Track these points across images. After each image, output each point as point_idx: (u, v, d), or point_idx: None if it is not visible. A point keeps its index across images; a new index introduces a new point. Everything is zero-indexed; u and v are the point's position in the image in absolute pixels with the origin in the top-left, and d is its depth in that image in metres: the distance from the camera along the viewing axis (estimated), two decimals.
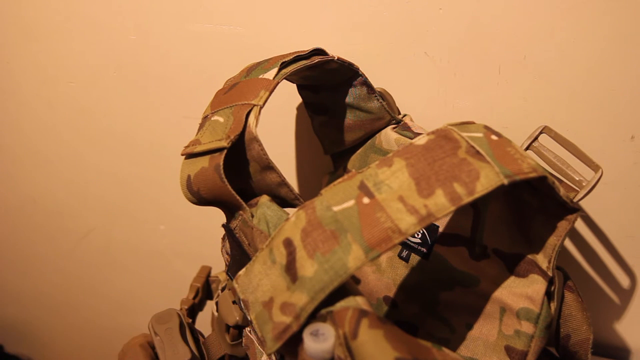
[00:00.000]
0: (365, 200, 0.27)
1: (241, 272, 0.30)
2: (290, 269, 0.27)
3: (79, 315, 0.91)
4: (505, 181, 0.27)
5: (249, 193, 0.36)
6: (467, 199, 0.26)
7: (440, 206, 0.26)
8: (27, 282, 0.90)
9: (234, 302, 0.41)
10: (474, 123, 0.31)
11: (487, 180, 0.27)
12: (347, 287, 0.27)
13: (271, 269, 0.28)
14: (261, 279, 0.29)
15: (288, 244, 0.28)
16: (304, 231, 0.27)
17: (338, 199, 0.28)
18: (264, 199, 0.34)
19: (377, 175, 0.28)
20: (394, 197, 0.27)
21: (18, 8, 0.58)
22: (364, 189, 0.28)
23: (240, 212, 0.34)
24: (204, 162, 0.34)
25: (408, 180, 0.27)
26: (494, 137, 0.29)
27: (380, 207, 0.26)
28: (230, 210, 0.35)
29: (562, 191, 0.31)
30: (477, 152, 0.28)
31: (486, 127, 0.30)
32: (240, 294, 0.30)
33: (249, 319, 0.29)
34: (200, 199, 0.34)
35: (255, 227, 0.33)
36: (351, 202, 0.27)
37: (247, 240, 0.34)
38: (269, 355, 0.28)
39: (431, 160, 0.28)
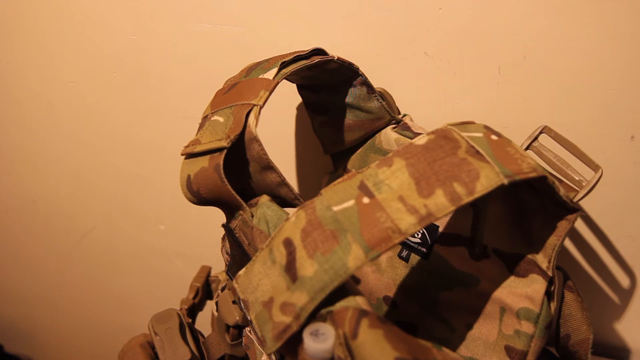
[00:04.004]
0: (365, 200, 0.27)
1: (241, 272, 0.30)
2: (290, 269, 0.27)
3: (78, 315, 0.91)
4: (505, 181, 0.27)
5: (248, 193, 0.36)
6: (467, 199, 0.26)
7: (440, 206, 0.26)
8: (27, 282, 0.90)
9: (233, 302, 0.41)
10: (474, 123, 0.31)
11: (487, 180, 0.27)
12: (347, 287, 0.27)
13: (271, 268, 0.28)
14: (261, 279, 0.29)
15: (288, 243, 0.28)
16: (304, 231, 0.27)
17: (338, 198, 0.28)
18: (264, 199, 0.34)
19: (377, 175, 0.28)
20: (394, 197, 0.27)
21: (18, 8, 0.58)
22: (363, 189, 0.28)
23: (240, 212, 0.34)
24: (203, 162, 0.34)
25: (408, 180, 0.27)
26: (494, 137, 0.29)
27: (380, 207, 0.27)
28: (230, 210, 0.35)
29: (562, 191, 0.31)
30: (477, 152, 0.28)
31: (486, 127, 0.30)
32: (240, 294, 0.30)
33: (249, 318, 0.29)
34: (200, 198, 0.34)
35: (255, 227, 0.33)
36: (351, 202, 0.27)
37: (247, 240, 0.34)
38: (269, 355, 0.28)
39: (431, 160, 0.28)
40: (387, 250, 0.26)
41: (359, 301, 0.27)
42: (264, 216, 0.32)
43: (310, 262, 0.26)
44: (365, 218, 0.26)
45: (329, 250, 0.26)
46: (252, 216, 0.33)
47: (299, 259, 0.27)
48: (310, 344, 0.26)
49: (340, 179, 0.29)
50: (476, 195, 0.26)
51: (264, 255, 0.29)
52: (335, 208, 0.27)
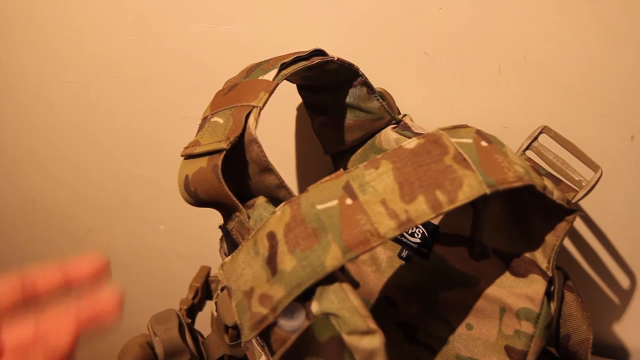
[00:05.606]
0: (348, 201, 0.27)
1: (227, 260, 0.31)
2: (271, 262, 0.28)
3: None
4: (488, 191, 0.27)
5: (247, 195, 0.36)
6: (447, 207, 0.26)
7: (421, 212, 0.26)
8: None
9: None
10: (467, 127, 0.31)
11: (470, 189, 0.27)
12: (334, 274, 0.27)
13: (254, 259, 0.29)
14: (244, 268, 0.29)
15: (271, 237, 0.28)
16: (287, 226, 0.28)
17: (322, 197, 0.28)
18: (261, 200, 0.34)
19: (364, 176, 0.28)
20: (377, 199, 0.27)
21: (18, 8, 0.58)
22: (348, 190, 0.28)
23: (237, 213, 0.34)
24: (202, 162, 0.34)
25: (392, 183, 0.27)
26: (483, 144, 0.29)
27: (361, 210, 0.27)
28: (227, 212, 0.35)
29: (555, 194, 0.31)
30: (464, 159, 0.28)
31: (477, 132, 0.30)
32: (224, 281, 0.30)
33: (231, 305, 0.29)
34: (197, 199, 0.34)
35: (251, 229, 0.33)
36: (334, 202, 0.28)
37: (243, 241, 0.34)
38: (245, 342, 0.29)
39: (417, 165, 0.28)
40: (365, 252, 0.26)
41: (344, 288, 0.27)
42: (261, 218, 0.32)
43: (290, 258, 0.27)
44: (346, 219, 0.27)
45: (308, 247, 0.27)
46: (249, 217, 0.33)
47: (280, 253, 0.27)
48: (284, 322, 0.27)
49: (327, 177, 0.29)
50: (457, 204, 0.27)
51: (249, 246, 0.30)
52: (319, 207, 0.28)
